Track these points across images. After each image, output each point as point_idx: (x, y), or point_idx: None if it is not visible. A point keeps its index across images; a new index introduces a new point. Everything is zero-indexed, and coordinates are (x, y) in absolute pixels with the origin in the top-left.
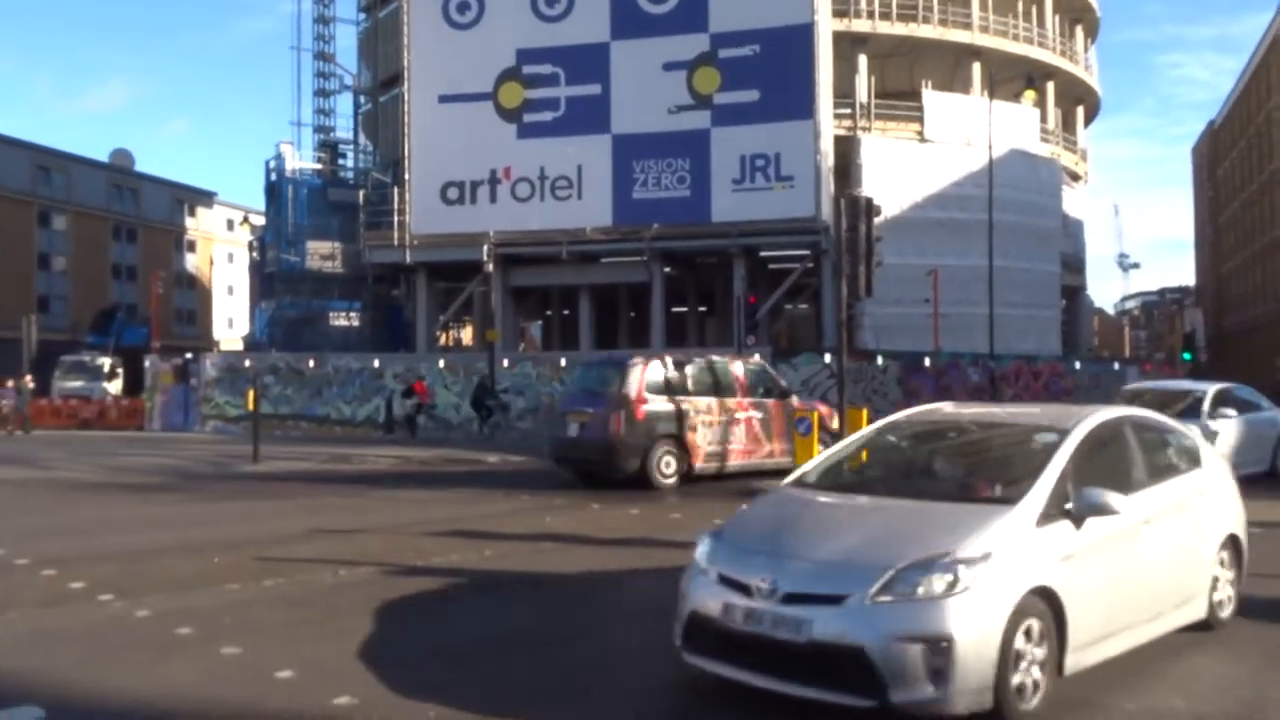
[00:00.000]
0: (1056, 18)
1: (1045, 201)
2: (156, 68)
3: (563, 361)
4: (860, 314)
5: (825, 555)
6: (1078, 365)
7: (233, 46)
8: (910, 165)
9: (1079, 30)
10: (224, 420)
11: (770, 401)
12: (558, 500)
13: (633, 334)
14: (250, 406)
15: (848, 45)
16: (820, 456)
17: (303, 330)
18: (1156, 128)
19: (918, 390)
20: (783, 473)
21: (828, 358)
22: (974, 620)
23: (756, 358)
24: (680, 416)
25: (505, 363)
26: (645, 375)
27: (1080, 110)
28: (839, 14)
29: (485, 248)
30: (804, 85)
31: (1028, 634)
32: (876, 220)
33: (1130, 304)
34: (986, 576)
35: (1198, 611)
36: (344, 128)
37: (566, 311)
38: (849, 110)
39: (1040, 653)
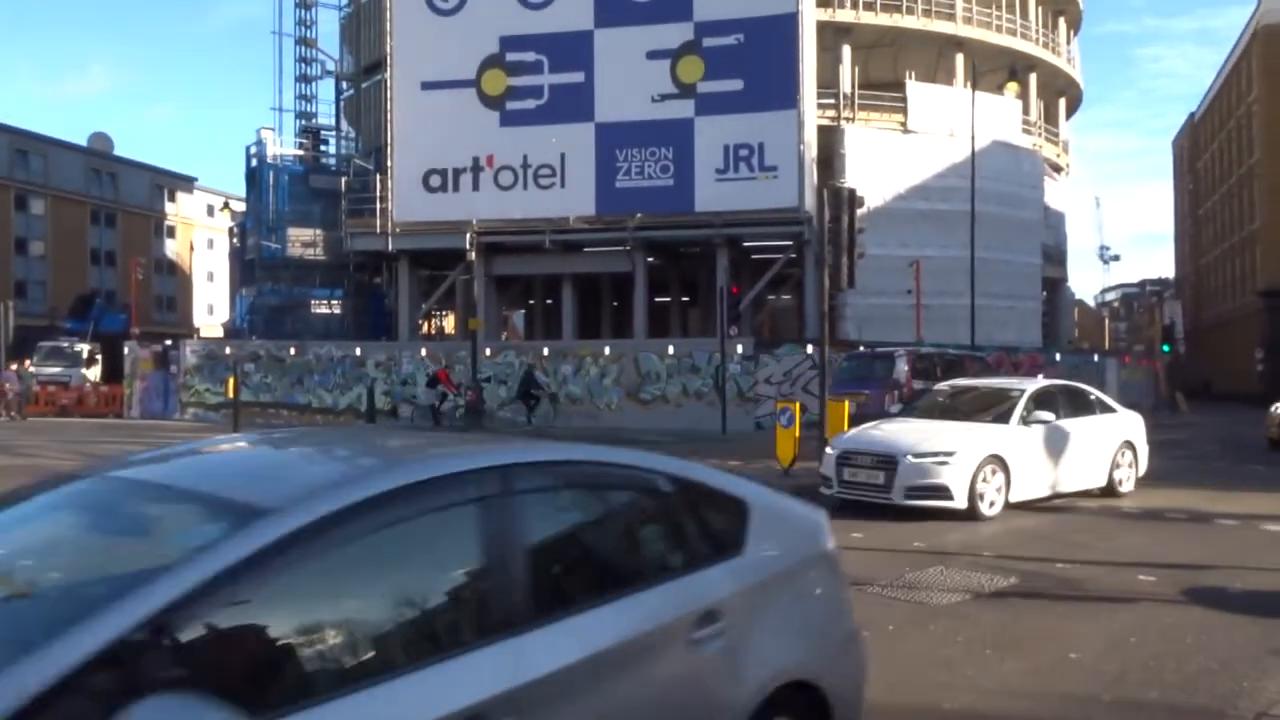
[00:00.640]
0: (1039, 9)
1: (1027, 193)
2: (138, 53)
3: (545, 350)
4: (843, 305)
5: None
6: (1058, 357)
7: (214, 32)
8: (893, 156)
9: (1061, 22)
10: (204, 408)
11: None
12: None
13: (616, 324)
14: (230, 394)
15: (831, 35)
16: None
17: (284, 317)
18: (1138, 120)
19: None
20: None
21: (810, 348)
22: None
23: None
24: None
25: (488, 351)
26: (910, 362)
27: (1062, 102)
28: (823, 4)
29: (468, 236)
30: (788, 75)
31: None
32: (859, 211)
33: (1110, 296)
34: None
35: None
36: (326, 114)
37: (549, 300)
38: (833, 100)
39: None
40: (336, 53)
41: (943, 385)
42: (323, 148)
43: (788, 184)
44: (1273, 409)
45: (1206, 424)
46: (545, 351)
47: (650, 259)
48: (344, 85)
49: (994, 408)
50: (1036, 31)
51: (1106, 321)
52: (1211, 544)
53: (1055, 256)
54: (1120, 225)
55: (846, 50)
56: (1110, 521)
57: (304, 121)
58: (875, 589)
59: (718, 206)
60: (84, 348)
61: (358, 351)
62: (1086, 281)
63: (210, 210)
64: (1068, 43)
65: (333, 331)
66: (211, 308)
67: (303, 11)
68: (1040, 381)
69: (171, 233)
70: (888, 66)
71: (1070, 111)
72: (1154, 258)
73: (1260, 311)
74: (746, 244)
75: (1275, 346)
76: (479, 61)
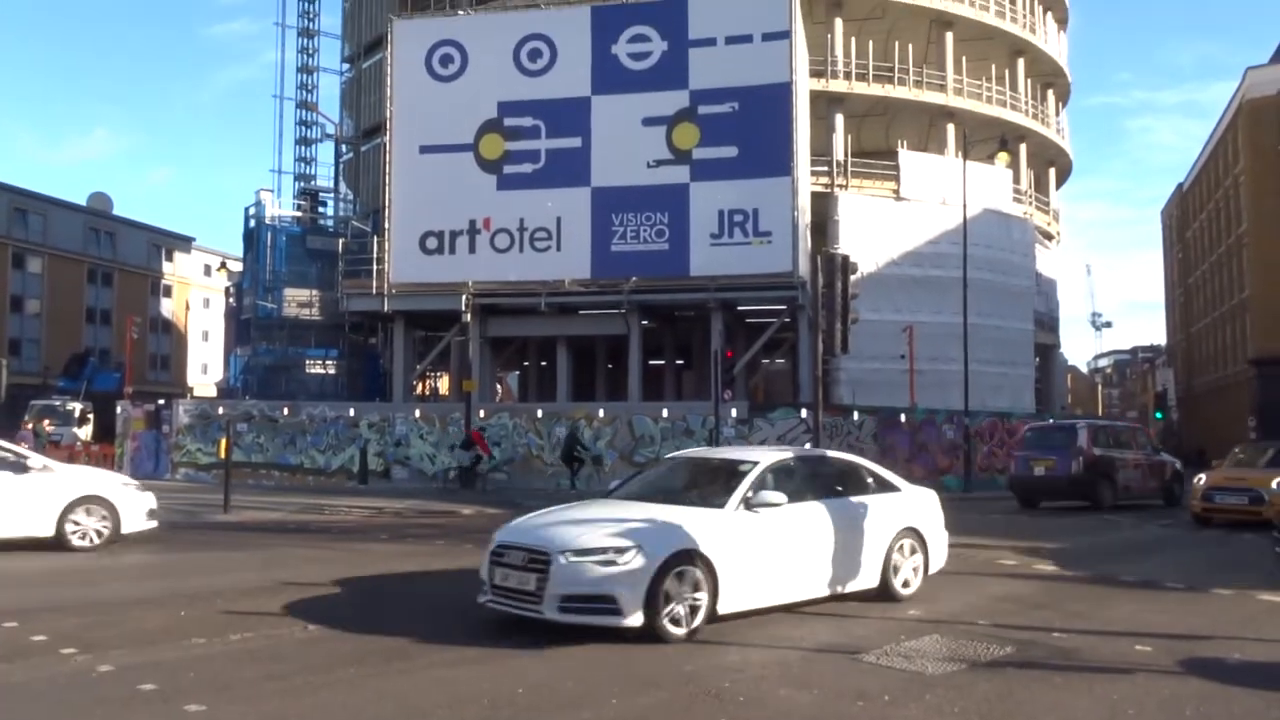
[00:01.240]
0: (1029, 82)
1: (1019, 260)
2: (140, 117)
3: (539, 412)
4: (836, 369)
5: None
6: (1051, 423)
7: (216, 96)
8: (886, 223)
9: (1050, 94)
10: (195, 468)
11: (1156, 456)
12: None
13: (610, 386)
14: (222, 454)
15: (825, 105)
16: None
17: (278, 377)
18: (1127, 190)
19: (893, 446)
20: (1157, 502)
21: (804, 412)
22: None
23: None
24: (1110, 462)
25: (482, 413)
26: (1091, 432)
27: (1052, 172)
28: (816, 74)
29: (464, 297)
30: (782, 143)
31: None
32: (853, 277)
33: (1103, 362)
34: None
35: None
36: (325, 176)
37: (544, 362)
38: (826, 168)
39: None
40: (337, 116)
41: (671, 456)
42: (321, 209)
43: (782, 249)
44: (1196, 480)
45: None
46: (539, 413)
47: (645, 322)
48: (343, 148)
49: (711, 486)
50: (1026, 103)
51: (1099, 388)
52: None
53: (1047, 323)
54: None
55: (840, 119)
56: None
57: (303, 183)
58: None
59: (712, 271)
60: (76, 406)
61: (351, 412)
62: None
63: (207, 270)
64: (1057, 114)
65: (327, 392)
66: (206, 367)
67: (304, 76)
68: (782, 452)
69: (168, 292)
70: (880, 135)
71: (1060, 181)
72: (1145, 325)
73: (1252, 379)
74: (741, 308)
75: (1268, 414)
76: (477, 126)
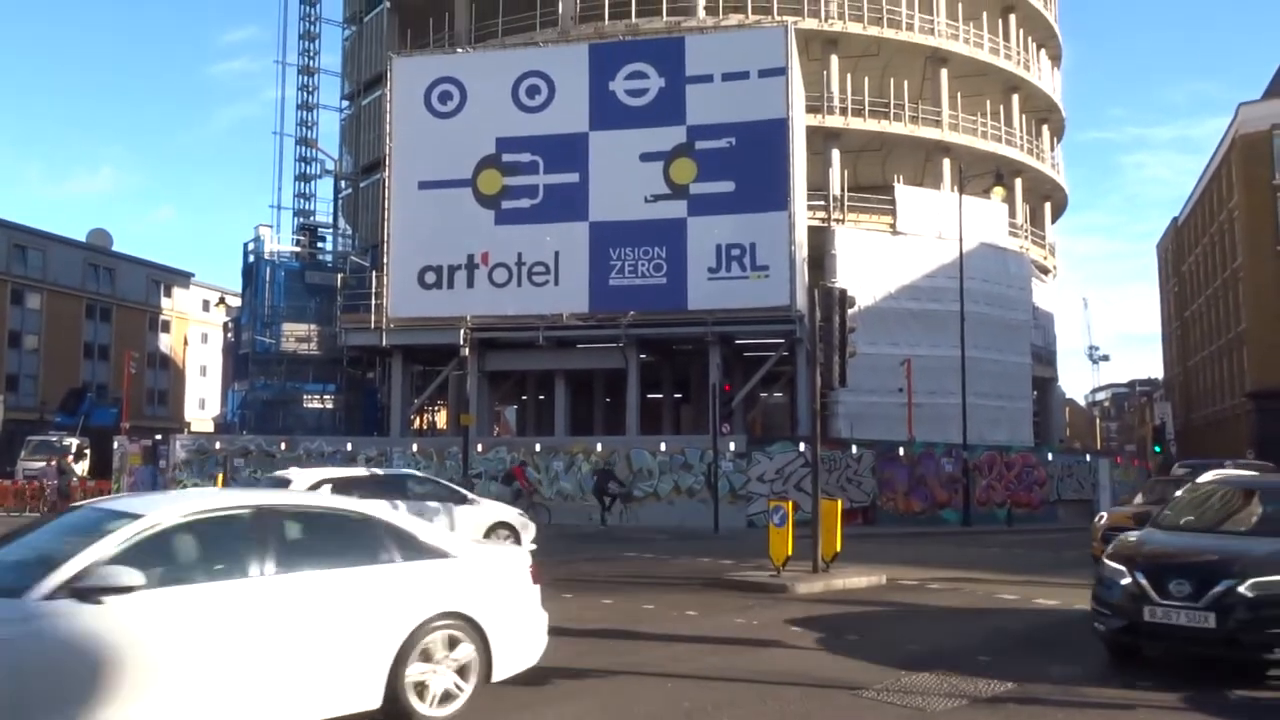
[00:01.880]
0: (1023, 117)
1: (1015, 294)
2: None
3: (537, 446)
4: (834, 403)
5: None
6: (1050, 456)
7: (217, 133)
8: (883, 257)
9: (1045, 129)
10: None
11: None
12: None
13: (608, 420)
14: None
15: (821, 140)
16: None
17: (276, 412)
18: (1122, 224)
19: (892, 479)
20: None
21: (802, 446)
22: None
23: None
24: None
25: (480, 447)
26: None
27: (1048, 206)
28: (813, 110)
29: (462, 332)
30: (779, 177)
31: None
32: (850, 311)
33: (1101, 396)
34: None
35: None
36: (324, 212)
37: (542, 396)
38: (823, 202)
39: None
40: (336, 152)
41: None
42: (319, 245)
43: (779, 283)
44: (1096, 520)
45: None
46: (537, 447)
47: (643, 356)
48: (342, 184)
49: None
50: (1021, 138)
51: (1097, 421)
52: None
53: (1045, 356)
54: (1108, 326)
55: (836, 154)
56: None
57: (302, 219)
58: None
59: (710, 305)
60: (73, 442)
61: (348, 446)
62: (1076, 381)
63: (206, 305)
64: (1051, 149)
65: (325, 426)
66: (203, 402)
67: (304, 113)
68: (210, 499)
69: (166, 327)
70: (876, 170)
71: (1056, 215)
72: (1142, 358)
73: (1250, 413)
74: (739, 342)
75: (1266, 447)
76: (476, 162)
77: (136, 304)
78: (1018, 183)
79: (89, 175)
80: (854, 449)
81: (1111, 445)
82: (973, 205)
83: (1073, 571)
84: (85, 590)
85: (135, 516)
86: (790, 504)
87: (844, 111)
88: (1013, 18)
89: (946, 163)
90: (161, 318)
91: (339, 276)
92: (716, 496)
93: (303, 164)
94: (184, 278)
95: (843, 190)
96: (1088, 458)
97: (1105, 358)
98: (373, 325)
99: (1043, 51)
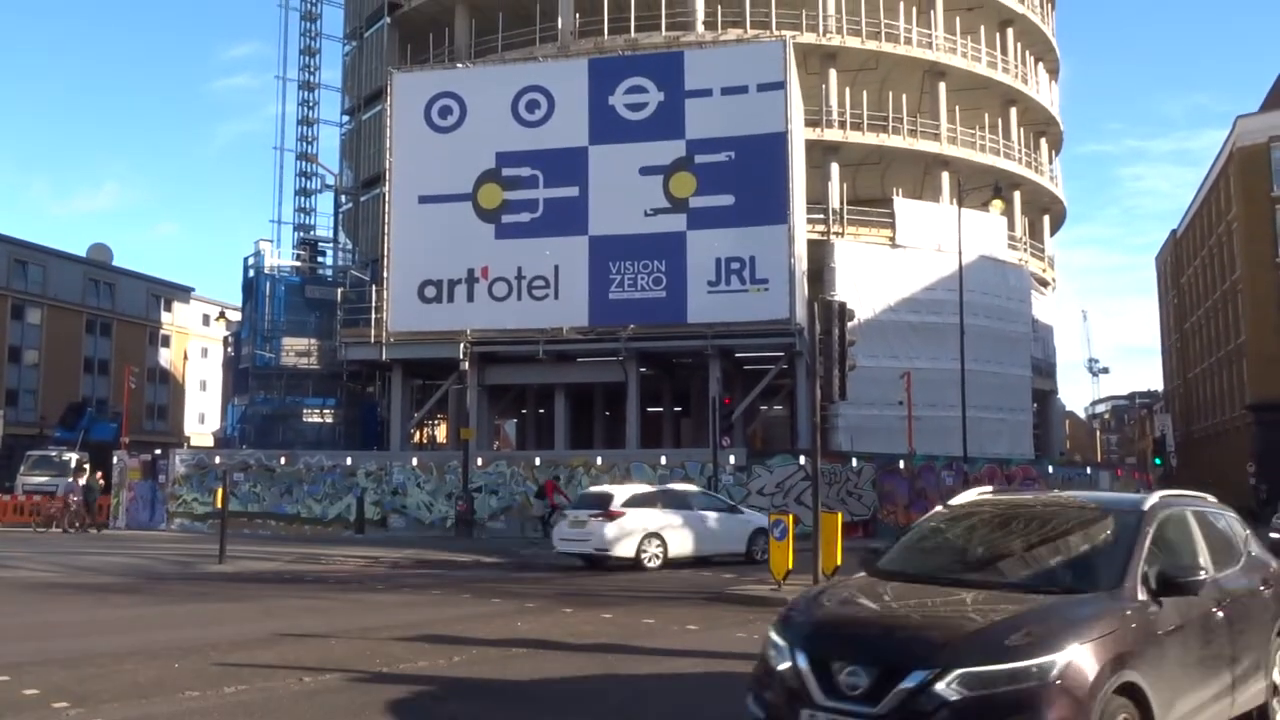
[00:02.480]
0: (1021, 130)
1: (1015, 306)
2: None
3: (537, 460)
4: (834, 416)
5: None
6: (1050, 469)
7: (218, 149)
8: (882, 269)
9: (1043, 143)
10: (191, 518)
11: None
12: (529, 604)
13: (608, 434)
14: (218, 504)
15: (820, 153)
16: None
17: (276, 426)
18: (1121, 236)
19: (892, 493)
20: None
21: (802, 459)
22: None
23: None
24: None
25: (480, 461)
26: None
27: (1046, 219)
28: (812, 124)
29: (462, 346)
30: (778, 191)
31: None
32: (850, 324)
33: (1101, 408)
34: None
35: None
36: (324, 226)
37: (542, 410)
38: (822, 215)
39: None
40: (336, 167)
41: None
42: (320, 259)
43: (779, 296)
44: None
45: None
46: (537, 461)
47: (643, 369)
48: (343, 199)
49: None
50: (1019, 151)
51: (1098, 433)
52: None
53: (1044, 369)
54: (1107, 338)
55: (835, 168)
56: None
57: (302, 234)
58: None
59: (710, 318)
60: (72, 457)
61: (348, 461)
62: (1076, 394)
63: (206, 320)
64: (1050, 162)
65: (325, 441)
66: (203, 416)
67: (305, 128)
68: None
69: (166, 342)
70: (875, 183)
71: (1055, 228)
72: (1142, 370)
73: (1250, 425)
74: (738, 355)
75: (1266, 460)
76: (476, 176)
77: (136, 319)
78: (1016, 196)
79: (93, 192)
80: (854, 462)
81: (1112, 458)
82: (971, 218)
83: None
84: None
85: None
86: (791, 517)
87: (843, 125)
88: (1010, 31)
89: (945, 176)
90: (161, 332)
91: (339, 291)
92: None
93: (303, 179)
94: (184, 292)
95: (842, 203)
96: (1088, 470)
97: (1105, 370)
98: (373, 339)
99: (1040, 65)
